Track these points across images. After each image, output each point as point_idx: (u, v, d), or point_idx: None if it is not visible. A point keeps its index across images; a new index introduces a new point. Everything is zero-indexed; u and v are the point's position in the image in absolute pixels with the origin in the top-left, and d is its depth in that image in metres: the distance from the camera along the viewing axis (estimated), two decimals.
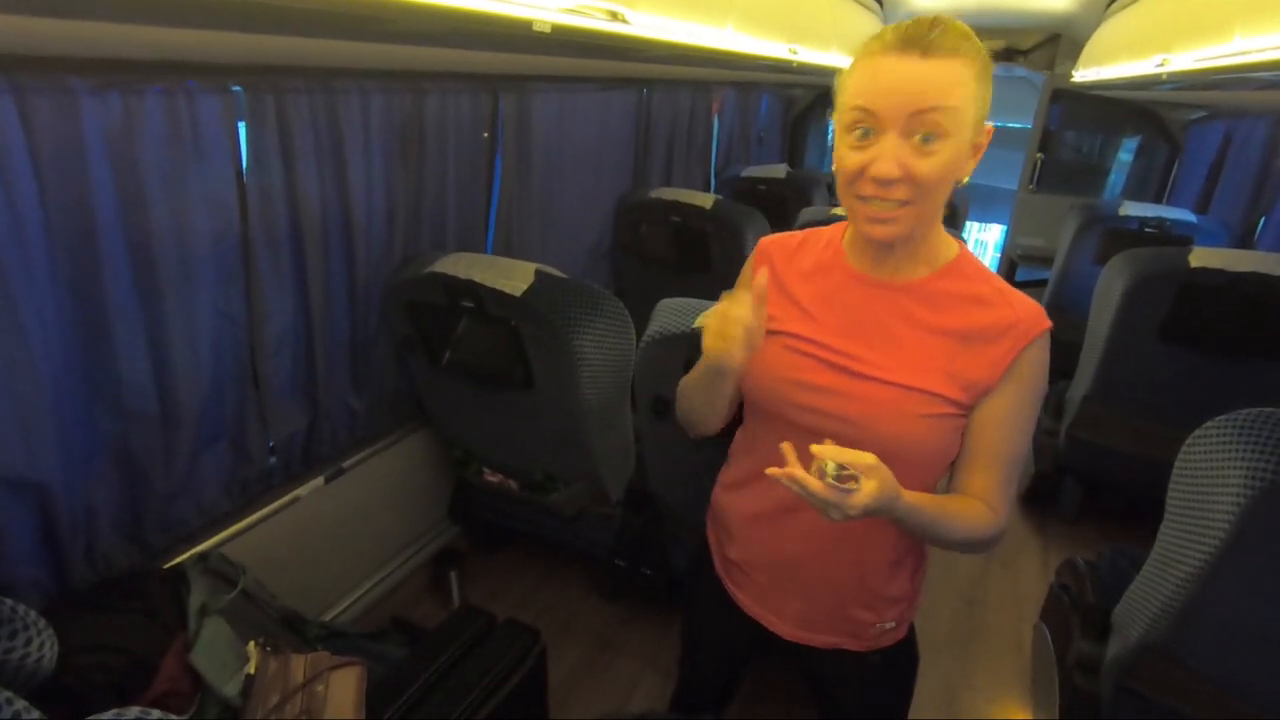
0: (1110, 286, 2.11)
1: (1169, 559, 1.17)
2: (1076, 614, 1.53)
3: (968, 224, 4.41)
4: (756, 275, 0.80)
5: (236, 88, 1.36)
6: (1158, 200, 3.86)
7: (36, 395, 1.13)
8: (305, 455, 1.77)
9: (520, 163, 2.29)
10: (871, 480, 0.70)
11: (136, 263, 1.27)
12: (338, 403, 1.81)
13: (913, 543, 0.95)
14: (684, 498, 1.72)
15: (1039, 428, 2.52)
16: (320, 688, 1.15)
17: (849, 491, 0.69)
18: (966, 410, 0.83)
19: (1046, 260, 3.64)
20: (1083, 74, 3.24)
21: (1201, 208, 3.34)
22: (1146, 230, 2.99)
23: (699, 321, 0.80)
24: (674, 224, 2.80)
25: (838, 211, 2.48)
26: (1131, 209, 3.06)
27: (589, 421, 1.66)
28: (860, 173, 0.75)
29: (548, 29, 1.13)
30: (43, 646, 0.92)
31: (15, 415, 1.12)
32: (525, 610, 2.08)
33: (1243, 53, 1.41)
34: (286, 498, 1.68)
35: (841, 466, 0.69)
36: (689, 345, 1.34)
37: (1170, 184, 3.89)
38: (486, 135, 2.11)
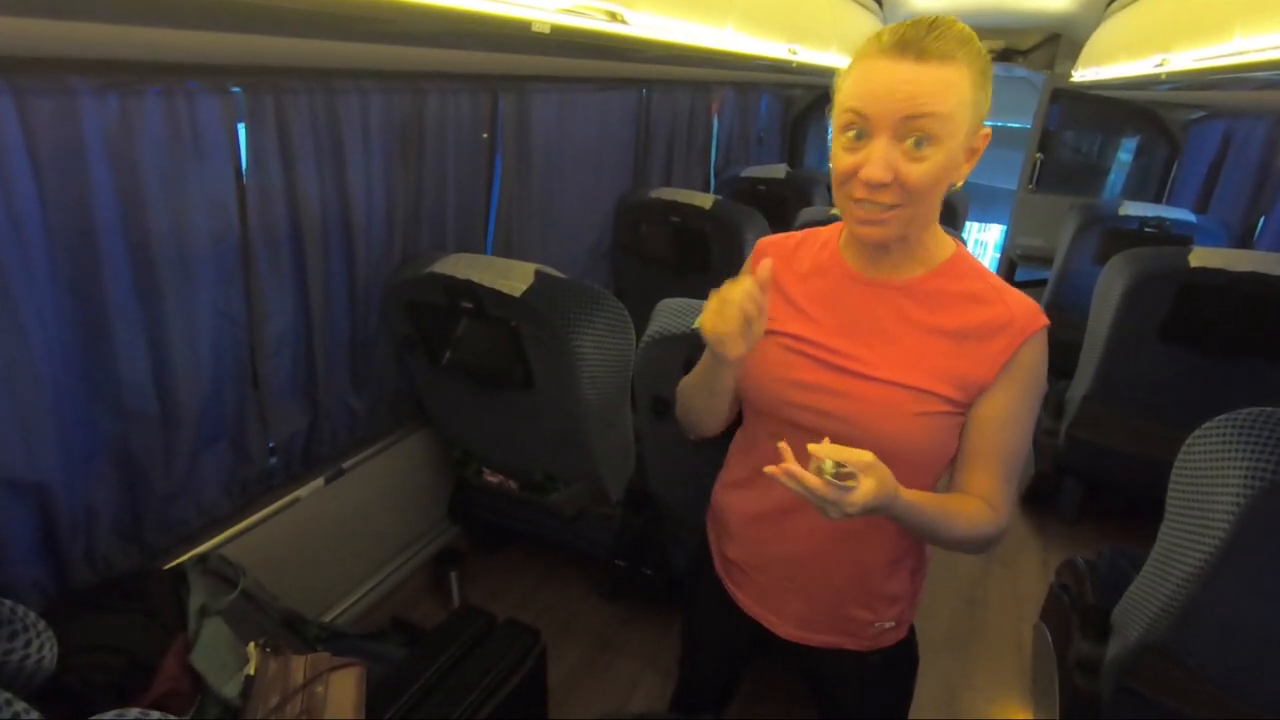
0: (1110, 286, 2.11)
1: (1169, 559, 1.17)
2: (1076, 614, 1.53)
3: (967, 224, 4.40)
4: (759, 265, 0.80)
5: (236, 88, 1.36)
6: (1157, 200, 3.86)
7: (36, 395, 1.13)
8: (305, 455, 1.77)
9: (520, 163, 2.29)
10: (869, 478, 0.70)
11: (136, 263, 1.27)
12: (338, 403, 1.81)
13: (911, 542, 0.95)
14: (684, 498, 1.72)
15: (1039, 427, 2.52)
16: (320, 688, 1.15)
17: (847, 489, 0.69)
18: (963, 408, 0.83)
19: (1046, 260, 3.64)
20: (1082, 74, 3.24)
21: (1201, 207, 3.34)
22: (1146, 230, 3.00)
23: (699, 321, 0.80)
24: (674, 224, 2.80)
25: (837, 212, 2.47)
26: (1131, 209, 3.06)
27: (589, 421, 1.66)
28: (852, 174, 0.75)
29: (547, 29, 1.13)
30: (42, 648, 0.92)
31: (15, 415, 1.12)
32: (525, 610, 2.08)
33: (1242, 52, 1.41)
34: (286, 498, 1.68)
35: (839, 464, 0.69)
36: (689, 345, 1.34)
37: (1170, 184, 3.89)
38: (486, 136, 2.11)
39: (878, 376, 0.83)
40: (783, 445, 0.74)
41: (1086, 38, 3.32)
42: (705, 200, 2.74)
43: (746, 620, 1.06)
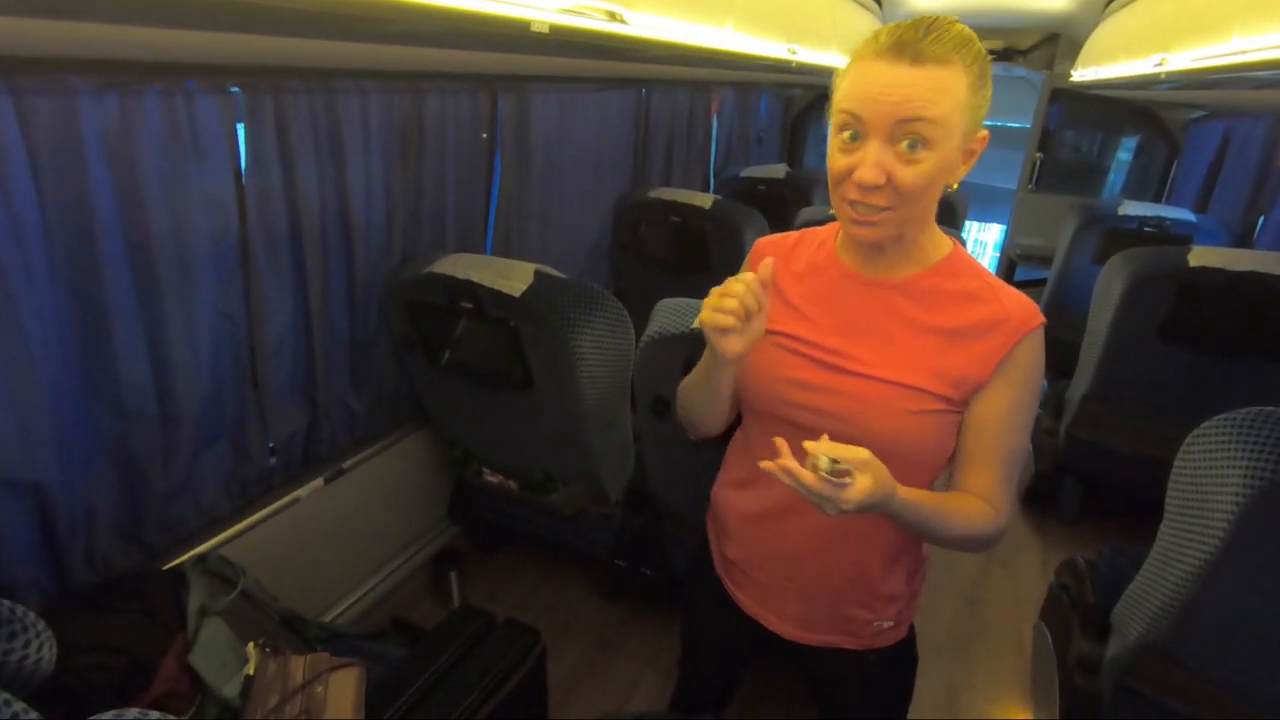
0: (1110, 286, 2.11)
1: (1168, 558, 1.17)
2: (1076, 614, 1.53)
3: (967, 223, 4.40)
4: (760, 264, 0.80)
5: (235, 89, 1.35)
6: (1157, 200, 3.86)
7: (36, 395, 1.13)
8: (305, 456, 1.77)
9: (519, 163, 2.29)
10: (865, 475, 0.70)
11: (135, 263, 1.27)
12: (337, 403, 1.81)
13: (910, 542, 0.95)
14: (684, 498, 1.72)
15: (1039, 427, 2.52)
16: (320, 689, 1.15)
17: (843, 485, 0.69)
18: (959, 406, 0.83)
19: (1046, 260, 3.64)
20: (1081, 73, 3.25)
21: (1200, 207, 3.34)
22: (1146, 230, 3.00)
23: (698, 321, 0.80)
24: (673, 224, 2.80)
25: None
26: (1131, 208, 3.07)
27: (588, 421, 1.66)
28: (846, 175, 0.75)
29: (546, 29, 1.13)
30: (42, 648, 0.92)
31: (15, 415, 1.12)
32: (525, 610, 2.08)
33: (1241, 52, 1.41)
34: (286, 498, 1.68)
35: (835, 461, 0.69)
36: (689, 345, 1.34)
37: (1169, 183, 3.89)
38: (485, 135, 2.11)
39: (873, 375, 0.83)
40: (779, 441, 0.74)
41: (1086, 37, 3.32)
42: (705, 200, 2.74)
43: (746, 620, 1.06)
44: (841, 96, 0.75)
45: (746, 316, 0.77)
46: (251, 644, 1.18)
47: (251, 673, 1.14)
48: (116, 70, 1.15)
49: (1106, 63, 2.72)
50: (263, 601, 1.39)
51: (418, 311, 1.74)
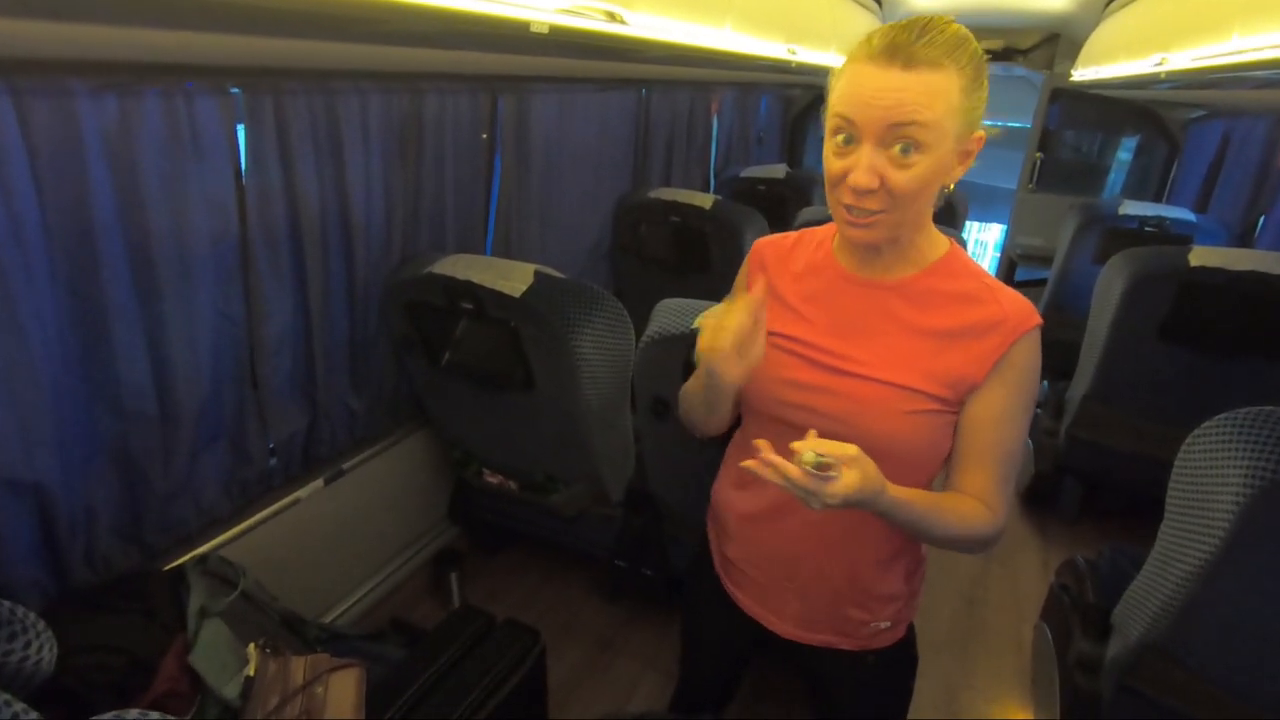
0: (1110, 286, 2.11)
1: (1169, 558, 1.17)
2: (1077, 614, 1.53)
3: (967, 223, 4.40)
4: (753, 284, 0.80)
5: (235, 89, 1.36)
6: (1157, 199, 3.86)
7: (35, 395, 1.13)
8: (305, 456, 1.77)
9: (519, 163, 2.29)
10: (852, 470, 0.70)
11: (135, 263, 1.27)
12: (337, 403, 1.81)
13: (906, 542, 0.95)
14: (684, 498, 1.72)
15: (1039, 427, 2.52)
16: (320, 689, 1.15)
17: (827, 479, 0.70)
18: (954, 407, 0.84)
19: (1046, 260, 3.64)
20: (1081, 73, 3.25)
21: (1201, 207, 3.34)
22: (1146, 229, 3.00)
23: (698, 322, 0.80)
24: (673, 224, 2.80)
25: None
26: (1131, 208, 3.07)
27: (589, 422, 1.66)
28: (841, 179, 0.76)
29: (545, 30, 1.13)
30: (42, 649, 0.92)
31: (14, 415, 1.12)
32: (526, 611, 2.08)
33: (1240, 51, 1.41)
34: (286, 499, 1.68)
35: (820, 455, 0.70)
36: (688, 346, 1.34)
37: (1169, 183, 3.89)
38: (485, 136, 2.11)
39: (869, 375, 0.84)
40: (759, 442, 0.74)
41: (1086, 37, 3.32)
42: (705, 200, 2.74)
43: (746, 620, 1.06)
44: (835, 100, 0.75)
45: (741, 345, 0.78)
46: (252, 645, 1.18)
47: (252, 673, 1.14)
48: (116, 71, 1.15)
49: (1106, 62, 2.72)
50: (263, 602, 1.39)
51: (417, 312, 1.74)
